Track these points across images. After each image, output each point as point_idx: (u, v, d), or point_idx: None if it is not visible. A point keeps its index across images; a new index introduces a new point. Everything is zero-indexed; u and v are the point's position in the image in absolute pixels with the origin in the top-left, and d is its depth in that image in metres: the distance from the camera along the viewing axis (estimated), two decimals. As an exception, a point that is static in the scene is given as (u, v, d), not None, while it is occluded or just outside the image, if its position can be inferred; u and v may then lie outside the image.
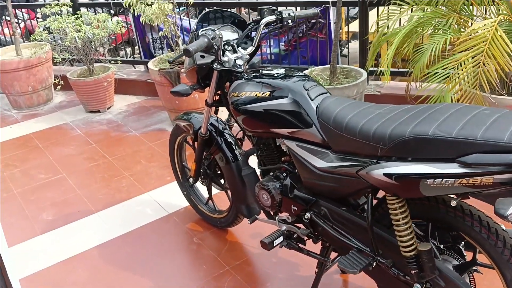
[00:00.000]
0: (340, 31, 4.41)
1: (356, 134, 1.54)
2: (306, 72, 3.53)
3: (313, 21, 4.06)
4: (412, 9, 2.92)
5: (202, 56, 2.02)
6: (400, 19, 2.88)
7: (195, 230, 2.65)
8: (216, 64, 1.98)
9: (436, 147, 1.33)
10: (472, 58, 2.24)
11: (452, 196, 1.43)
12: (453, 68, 2.35)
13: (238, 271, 2.30)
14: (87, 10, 4.88)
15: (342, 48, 5.45)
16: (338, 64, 3.62)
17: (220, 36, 1.87)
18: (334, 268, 2.15)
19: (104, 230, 2.71)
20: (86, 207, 2.97)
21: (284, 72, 1.87)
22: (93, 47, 4.23)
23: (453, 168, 1.30)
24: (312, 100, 1.74)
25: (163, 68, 3.69)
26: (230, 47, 2.01)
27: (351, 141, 1.56)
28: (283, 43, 4.31)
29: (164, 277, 2.31)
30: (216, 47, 1.87)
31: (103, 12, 4.88)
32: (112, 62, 4.57)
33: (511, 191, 1.27)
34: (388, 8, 3.13)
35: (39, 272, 2.42)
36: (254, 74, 1.94)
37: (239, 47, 2.03)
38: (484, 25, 2.25)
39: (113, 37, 5.37)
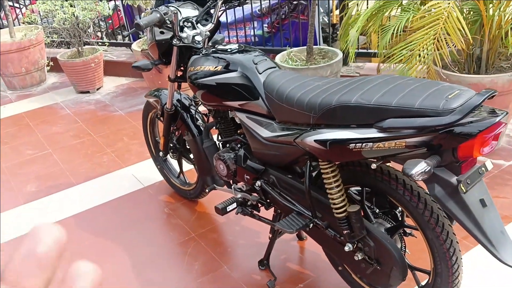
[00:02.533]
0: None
1: (293, 104, 1.65)
2: (284, 53, 3.62)
3: (294, 2, 4.13)
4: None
5: (162, 32, 2.12)
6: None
7: (167, 201, 2.79)
8: (175, 40, 2.08)
9: (357, 114, 1.44)
10: (427, 34, 2.31)
11: (372, 160, 1.53)
12: (413, 46, 2.42)
13: (203, 238, 2.43)
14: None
15: (337, 33, 5.49)
16: (322, 46, 3.70)
17: (175, 12, 1.97)
18: (294, 235, 2.28)
19: (82, 201, 2.86)
20: (68, 180, 3.12)
21: (237, 47, 1.98)
22: (81, 28, 4.34)
23: (372, 133, 1.41)
24: (260, 73, 1.85)
25: (144, 49, 3.80)
26: (189, 24, 2.11)
27: (289, 111, 1.67)
28: (266, 25, 4.39)
29: (132, 243, 2.45)
30: (168, 22, 1.97)
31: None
32: (100, 44, 4.68)
33: (423, 153, 1.38)
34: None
35: (18, 238, 2.58)
36: (212, 49, 2.04)
37: (199, 24, 2.14)
38: (438, 2, 2.32)
39: (110, 21, 5.48)
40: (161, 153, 2.64)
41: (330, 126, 1.53)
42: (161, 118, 2.65)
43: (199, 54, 2.06)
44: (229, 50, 1.96)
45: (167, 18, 1.95)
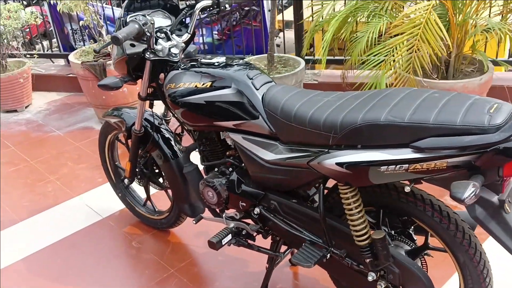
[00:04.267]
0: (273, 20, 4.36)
1: (306, 124, 1.47)
2: (241, 62, 3.44)
3: (246, 8, 3.96)
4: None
5: (132, 45, 1.85)
6: (334, 6, 2.87)
7: (134, 233, 2.48)
8: (148, 53, 1.82)
9: (389, 133, 1.30)
10: (407, 41, 2.26)
11: (404, 182, 1.41)
12: (387, 52, 2.36)
13: (184, 273, 2.18)
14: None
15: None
16: (283, 54, 3.56)
17: (152, 22, 1.71)
18: (285, 261, 2.10)
19: (31, 240, 2.46)
20: (8, 216, 2.68)
21: (225, 60, 1.76)
22: (5, 40, 3.83)
23: (407, 153, 1.28)
24: (257, 89, 1.65)
25: (86, 61, 3.42)
26: (163, 35, 1.86)
27: (301, 131, 1.49)
28: (216, 32, 4.17)
29: (99, 285, 2.12)
30: (148, 34, 1.71)
31: (14, 1, 4.44)
32: (28, 56, 4.18)
33: (463, 174, 1.27)
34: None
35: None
36: (192, 63, 1.81)
37: (173, 35, 1.89)
38: (417, 9, 2.28)
39: (28, 30, 4.94)
40: (126, 180, 2.33)
41: (353, 147, 1.38)
42: (122, 140, 2.36)
43: (177, 69, 1.82)
44: (216, 63, 1.74)
45: (146, 30, 1.69)
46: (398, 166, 1.29)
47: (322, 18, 2.85)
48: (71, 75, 4.25)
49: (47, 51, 5.05)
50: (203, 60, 1.78)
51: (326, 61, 3.46)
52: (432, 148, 1.24)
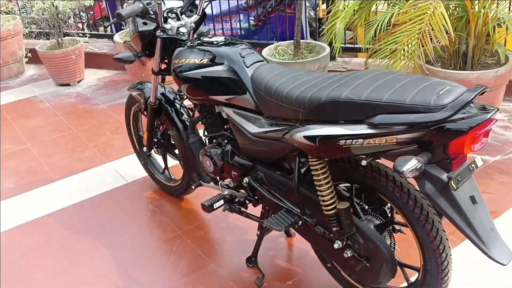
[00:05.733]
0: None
1: (282, 99, 1.61)
2: (270, 47, 3.58)
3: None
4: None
5: (145, 24, 2.06)
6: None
7: (152, 198, 2.73)
8: (158, 31, 2.02)
9: (347, 110, 1.41)
10: (415, 29, 2.29)
11: (362, 156, 1.50)
12: (398, 39, 2.40)
13: (189, 235, 2.39)
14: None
15: (323, 27, 5.45)
16: (309, 40, 3.65)
17: (158, 2, 1.90)
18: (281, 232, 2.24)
19: (62, 198, 2.78)
20: (47, 176, 3.03)
21: (223, 40, 1.92)
22: (61, 19, 4.21)
23: (362, 129, 1.38)
24: (247, 67, 1.80)
25: (127, 40, 3.71)
26: (173, 15, 2.05)
27: (278, 106, 1.63)
28: (252, 18, 4.33)
29: (116, 241, 2.39)
30: (152, 13, 1.91)
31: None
32: (81, 35, 4.56)
33: (414, 150, 1.35)
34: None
35: (-4, 236, 2.50)
36: (197, 42, 1.99)
37: (183, 15, 2.07)
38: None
39: (92, 12, 5.34)
40: (145, 149, 2.58)
41: (319, 122, 1.50)
42: (145, 112, 2.59)
43: (184, 46, 2.01)
44: (215, 42, 1.91)
45: (150, 8, 1.89)
46: (354, 140, 1.40)
47: (345, 5, 2.91)
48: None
49: (108, 32, 5.45)
50: (204, 39, 1.95)
51: (352, 49, 3.52)
52: (382, 124, 1.34)
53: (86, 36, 4.59)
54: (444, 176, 1.35)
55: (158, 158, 2.76)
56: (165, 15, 2.02)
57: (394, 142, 1.34)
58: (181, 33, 2.05)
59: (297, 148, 1.61)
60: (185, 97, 2.43)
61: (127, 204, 2.68)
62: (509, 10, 2.70)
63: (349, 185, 1.71)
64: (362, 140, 1.39)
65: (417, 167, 1.28)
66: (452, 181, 1.33)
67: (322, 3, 4.53)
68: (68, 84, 4.48)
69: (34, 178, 3.01)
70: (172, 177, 2.71)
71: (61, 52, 4.26)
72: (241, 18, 4.32)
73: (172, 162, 2.66)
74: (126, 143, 3.33)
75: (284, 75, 1.71)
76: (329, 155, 1.54)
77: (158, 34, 2.03)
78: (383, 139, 1.36)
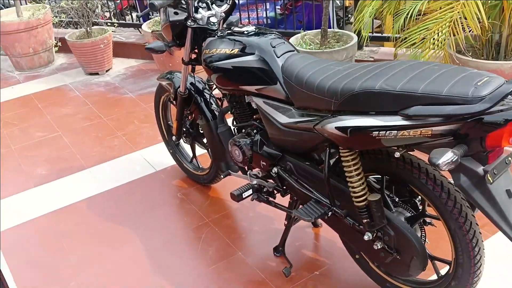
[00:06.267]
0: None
1: (314, 90, 1.60)
2: (297, 36, 3.55)
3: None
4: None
5: (176, 13, 2.07)
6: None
7: (180, 186, 2.77)
8: (189, 21, 2.03)
9: (381, 101, 1.40)
10: (447, 17, 2.24)
11: (395, 148, 1.49)
12: (428, 27, 2.35)
13: (217, 224, 2.42)
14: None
15: (349, 16, 5.38)
16: (337, 29, 3.61)
17: None
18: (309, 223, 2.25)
19: (93, 185, 2.84)
20: (78, 163, 3.10)
21: (254, 29, 1.92)
22: (90, 8, 4.27)
23: (396, 120, 1.37)
24: (278, 57, 1.80)
25: (155, 30, 3.74)
26: (204, 4, 2.06)
27: (309, 97, 1.62)
28: (279, 7, 4.30)
29: (146, 228, 2.44)
30: (183, 2, 1.91)
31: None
32: (109, 24, 4.61)
33: (449, 142, 1.33)
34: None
35: (29, 221, 2.58)
36: (227, 31, 1.99)
37: (214, 5, 2.08)
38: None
39: (118, 1, 5.40)
40: (174, 138, 2.61)
41: (352, 113, 1.49)
42: (174, 102, 2.62)
43: (214, 36, 2.01)
44: (245, 32, 1.91)
45: (182, -1, 1.90)
46: (387, 132, 1.39)
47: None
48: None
49: (135, 21, 5.49)
50: (235, 29, 1.95)
51: (379, 38, 3.46)
52: (418, 115, 1.32)
53: (114, 26, 4.65)
54: (480, 169, 1.33)
55: (186, 147, 2.79)
56: (195, 4, 2.02)
57: (430, 134, 1.33)
58: (212, 23, 2.05)
59: (328, 139, 1.60)
60: (214, 86, 2.45)
61: (156, 192, 2.73)
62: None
63: (380, 176, 1.70)
64: (396, 131, 1.37)
65: (453, 160, 1.26)
66: (488, 175, 1.31)
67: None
68: (97, 73, 4.55)
69: (67, 165, 3.08)
70: (200, 166, 2.74)
71: (90, 41, 4.33)
72: (267, 7, 4.30)
73: (199, 151, 2.69)
74: (154, 132, 3.38)
75: (316, 65, 1.70)
76: (361, 147, 1.53)
77: (189, 24, 2.04)
78: (418, 131, 1.34)
